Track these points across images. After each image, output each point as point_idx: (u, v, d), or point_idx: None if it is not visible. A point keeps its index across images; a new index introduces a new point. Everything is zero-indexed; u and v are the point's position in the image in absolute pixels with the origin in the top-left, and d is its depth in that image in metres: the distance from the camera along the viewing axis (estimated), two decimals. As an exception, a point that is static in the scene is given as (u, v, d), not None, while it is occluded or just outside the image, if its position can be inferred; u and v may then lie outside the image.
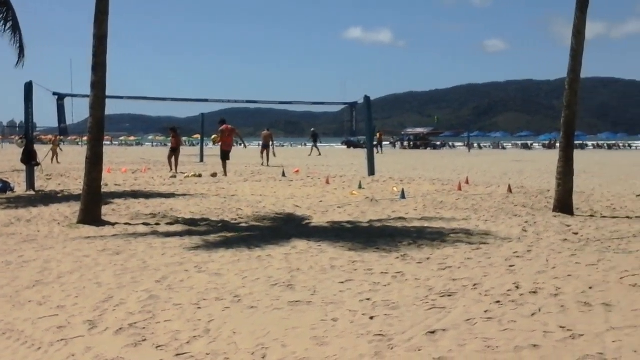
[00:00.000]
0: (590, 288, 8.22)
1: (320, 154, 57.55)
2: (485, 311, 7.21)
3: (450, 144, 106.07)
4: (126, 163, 43.23)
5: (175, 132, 34.99)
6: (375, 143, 63.37)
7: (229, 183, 25.07)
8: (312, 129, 65.93)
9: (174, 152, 33.46)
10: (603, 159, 52.19)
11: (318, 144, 63.41)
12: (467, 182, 24.29)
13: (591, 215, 15.46)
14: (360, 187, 22.57)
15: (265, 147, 41.69)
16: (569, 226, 13.63)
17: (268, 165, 39.23)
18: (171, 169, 32.66)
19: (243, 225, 14.12)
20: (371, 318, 6.97)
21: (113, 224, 14.04)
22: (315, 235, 12.45)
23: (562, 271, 9.24)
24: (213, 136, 39.37)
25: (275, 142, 46.09)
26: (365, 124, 31.19)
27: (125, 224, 14.16)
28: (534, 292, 8.03)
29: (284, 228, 13.57)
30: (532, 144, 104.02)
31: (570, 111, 16.07)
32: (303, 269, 9.48)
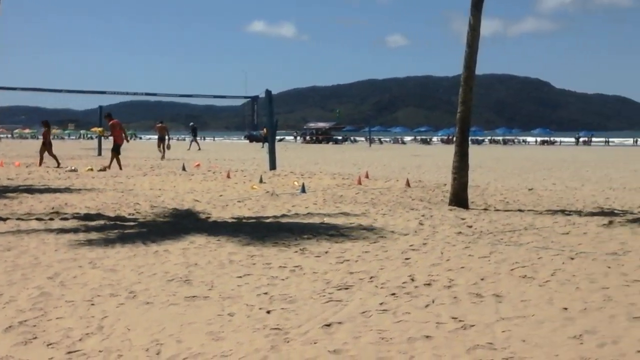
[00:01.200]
0: (482, 280, 8.46)
1: (199, 149, 56.24)
2: (381, 303, 7.31)
3: (352, 138, 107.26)
4: (20, 157, 41.89)
5: (47, 125, 33.60)
6: (262, 138, 63.31)
7: (127, 177, 24.60)
8: (191, 123, 64.42)
9: (46, 145, 32.17)
10: (498, 154, 53.77)
11: (197, 138, 61.82)
12: (366, 177, 24.59)
13: (485, 209, 15.90)
14: (261, 181, 22.55)
15: (161, 139, 41.24)
16: (463, 219, 13.98)
17: (163, 158, 38.84)
18: (40, 164, 31.52)
19: (140, 220, 13.88)
20: (268, 312, 6.97)
21: (4, 220, 13.55)
22: (214, 229, 12.36)
23: (455, 263, 9.47)
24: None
25: (176, 136, 45.69)
26: (267, 118, 31.16)
27: (17, 219, 13.68)
28: (428, 284, 8.20)
29: (183, 223, 13.42)
30: (430, 139, 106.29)
31: (466, 107, 16.47)
32: (201, 263, 9.40)
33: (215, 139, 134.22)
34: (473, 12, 16.38)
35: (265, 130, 75.38)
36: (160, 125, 42.41)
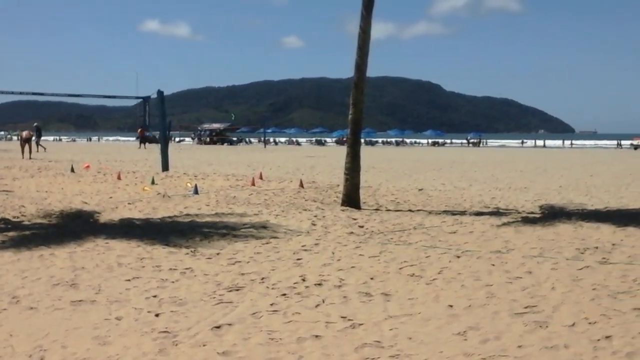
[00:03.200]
0: (372, 279, 8.59)
1: (45, 150, 52.58)
2: (272, 304, 7.33)
3: (247, 139, 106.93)
4: None
5: None
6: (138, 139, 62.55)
7: (12, 179, 23.76)
8: (35, 123, 62.05)
9: None
10: (391, 155, 54.70)
11: (41, 139, 57.33)
12: (260, 178, 24.57)
13: (377, 209, 16.15)
14: (152, 182, 22.20)
15: (27, 141, 40.96)
16: (355, 220, 14.16)
17: (30, 159, 38.77)
18: None
19: (25, 223, 13.43)
20: (157, 315, 6.87)
21: None
22: (103, 232, 12.08)
23: (346, 263, 9.59)
24: None
25: (66, 137, 45.38)
26: (159, 119, 30.71)
27: None
28: (319, 284, 8.27)
29: (70, 225, 13.06)
30: (325, 140, 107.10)
31: (357, 109, 16.69)
32: (88, 267, 9.18)
33: (103, 139, 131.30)
34: (364, 15, 16.61)
35: (140, 130, 75.29)
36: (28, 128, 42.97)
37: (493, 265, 9.47)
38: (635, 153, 68.60)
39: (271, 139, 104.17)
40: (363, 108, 16.93)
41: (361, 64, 16.65)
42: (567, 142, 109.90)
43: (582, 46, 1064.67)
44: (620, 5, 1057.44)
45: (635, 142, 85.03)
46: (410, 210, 15.90)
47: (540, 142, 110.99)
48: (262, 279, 8.58)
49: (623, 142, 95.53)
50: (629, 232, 12.41)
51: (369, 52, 16.83)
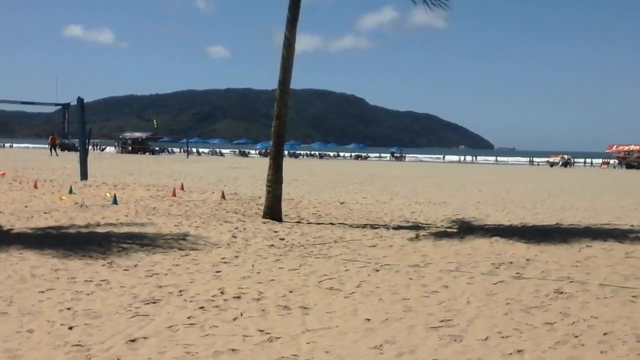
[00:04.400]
0: (291, 292, 8.60)
1: None
2: (189, 317, 7.26)
3: (169, 149, 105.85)
4: None
5: None
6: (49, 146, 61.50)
7: None
8: None
9: None
10: (314, 168, 54.90)
11: None
12: (182, 189, 24.33)
13: (298, 222, 16.18)
14: (70, 192, 21.71)
15: None
16: (276, 232, 14.16)
17: None
18: None
19: None
20: (70, 328, 6.72)
21: None
22: (17, 242, 11.74)
23: (265, 276, 9.57)
24: None
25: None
26: (78, 126, 30.13)
27: None
28: (238, 297, 8.23)
29: (-17, 235, 12.68)
30: (248, 152, 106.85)
31: (280, 121, 16.72)
32: (0, 278, 8.92)
33: (14, 145, 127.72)
34: (288, 28, 16.69)
35: (51, 137, 73.92)
36: None
37: (411, 279, 9.59)
38: (551, 170, 70.57)
39: (194, 150, 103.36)
40: (286, 120, 16.97)
41: (285, 76, 16.69)
42: (492, 158, 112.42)
43: (503, 64, 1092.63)
44: (544, 21, 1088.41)
45: (551, 160, 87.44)
46: (331, 224, 15.98)
47: (469, 158, 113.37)
48: (180, 291, 8.49)
49: (539, 159, 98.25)
50: (543, 247, 12.73)
51: (294, 64, 16.90)
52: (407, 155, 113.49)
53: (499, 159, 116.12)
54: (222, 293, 8.43)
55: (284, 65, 16.72)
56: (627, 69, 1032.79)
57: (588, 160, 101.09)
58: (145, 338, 6.45)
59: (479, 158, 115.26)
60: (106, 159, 60.22)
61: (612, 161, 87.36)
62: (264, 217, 16.39)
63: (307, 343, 6.44)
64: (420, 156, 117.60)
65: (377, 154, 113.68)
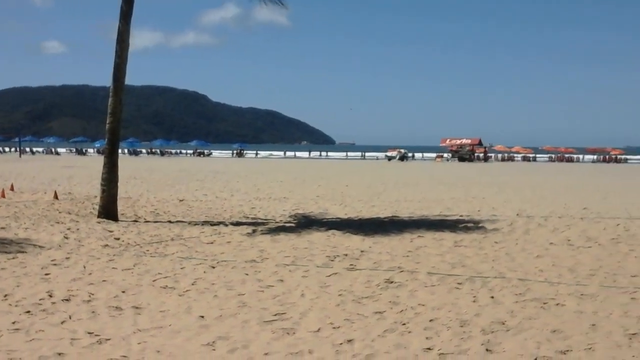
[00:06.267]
0: (123, 292, 8.41)
1: None
2: (13, 322, 6.95)
3: (1, 148, 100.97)
4: None
5: None
6: None
7: None
8: None
9: None
10: (154, 165, 53.93)
11: None
12: (12, 189, 23.26)
13: (135, 221, 15.83)
14: None
15: None
16: (111, 232, 13.80)
17: None
18: None
19: None
20: None
21: None
22: None
23: (98, 277, 9.31)
24: None
25: None
26: None
27: None
28: (67, 300, 7.96)
29: None
30: (86, 150, 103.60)
31: (115, 118, 16.29)
32: None
33: None
34: (122, 22, 16.30)
35: None
36: None
37: (247, 274, 9.62)
38: (388, 164, 72.73)
39: (27, 149, 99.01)
40: (121, 117, 16.55)
41: (119, 73, 16.28)
42: (342, 154, 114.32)
43: (344, 63, 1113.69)
44: (382, 26, 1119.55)
45: (389, 154, 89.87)
46: (169, 222, 15.76)
47: (315, 154, 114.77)
48: (5, 295, 8.12)
49: (378, 153, 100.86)
50: (377, 239, 13.12)
51: (131, 60, 16.59)
52: (248, 151, 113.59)
53: (341, 154, 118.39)
54: (50, 296, 8.13)
55: (117, 61, 16.30)
56: (449, 70, 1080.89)
57: (426, 155, 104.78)
58: (-37, 347, 6.12)
59: (328, 153, 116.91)
60: None
61: (445, 155, 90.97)
62: (99, 216, 15.93)
63: (138, 343, 6.33)
64: (264, 152, 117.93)
65: (220, 151, 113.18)
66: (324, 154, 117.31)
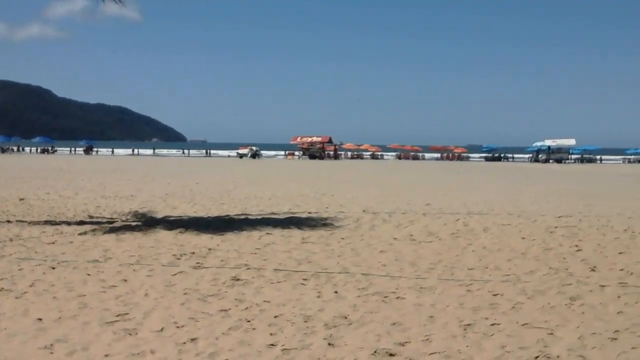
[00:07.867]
0: (-45, 296, 8.00)
1: None
2: None
3: None
4: None
5: None
6: None
7: None
8: None
9: None
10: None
11: None
12: None
13: (-30, 221, 15.07)
14: None
15: None
16: (-57, 233, 13.06)
17: None
18: None
19: None
20: None
21: None
22: None
23: None
24: None
25: None
26: None
27: None
28: None
29: None
30: None
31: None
32: None
33: None
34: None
35: None
36: None
37: (89, 275, 9.37)
38: (240, 161, 72.71)
39: None
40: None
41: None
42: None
43: (192, 57, 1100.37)
44: (245, 13, 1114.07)
45: (240, 151, 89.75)
46: (8, 221, 15.08)
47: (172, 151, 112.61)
48: None
49: (230, 152, 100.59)
50: (226, 237, 13.09)
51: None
52: (97, 149, 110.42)
53: (193, 151, 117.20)
54: None
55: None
56: (312, 71, 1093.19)
57: (278, 152, 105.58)
58: None
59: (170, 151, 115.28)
60: None
61: (297, 152, 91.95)
62: None
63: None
64: (108, 149, 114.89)
65: (68, 148, 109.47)
66: (172, 151, 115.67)
